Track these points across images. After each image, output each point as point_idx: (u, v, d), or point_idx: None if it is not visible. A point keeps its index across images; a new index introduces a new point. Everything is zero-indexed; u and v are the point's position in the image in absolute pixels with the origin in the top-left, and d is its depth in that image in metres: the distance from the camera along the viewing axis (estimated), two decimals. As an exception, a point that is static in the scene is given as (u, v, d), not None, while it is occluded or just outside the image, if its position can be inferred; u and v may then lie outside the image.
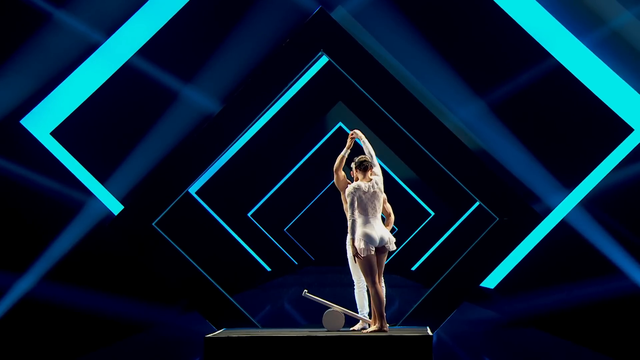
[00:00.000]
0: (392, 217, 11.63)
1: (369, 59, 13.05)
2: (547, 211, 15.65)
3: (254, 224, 29.20)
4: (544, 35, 15.44)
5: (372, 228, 11.00)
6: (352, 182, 11.25)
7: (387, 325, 11.07)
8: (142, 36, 15.44)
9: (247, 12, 15.53)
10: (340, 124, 27.72)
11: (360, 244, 10.92)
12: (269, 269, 27.83)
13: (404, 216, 30.80)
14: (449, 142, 13.09)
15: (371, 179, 11.13)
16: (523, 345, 13.95)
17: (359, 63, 13.04)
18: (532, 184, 15.83)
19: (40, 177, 15.42)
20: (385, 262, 11.15)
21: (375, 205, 11.05)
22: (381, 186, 11.13)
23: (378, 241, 10.97)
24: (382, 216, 11.40)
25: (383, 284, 11.67)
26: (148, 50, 15.50)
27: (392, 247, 11.06)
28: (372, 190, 11.06)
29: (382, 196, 11.17)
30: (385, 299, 11.07)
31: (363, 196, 11.03)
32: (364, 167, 11.16)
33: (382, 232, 11.02)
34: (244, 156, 22.03)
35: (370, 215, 11.03)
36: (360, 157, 11.24)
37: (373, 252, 10.95)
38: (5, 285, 15.31)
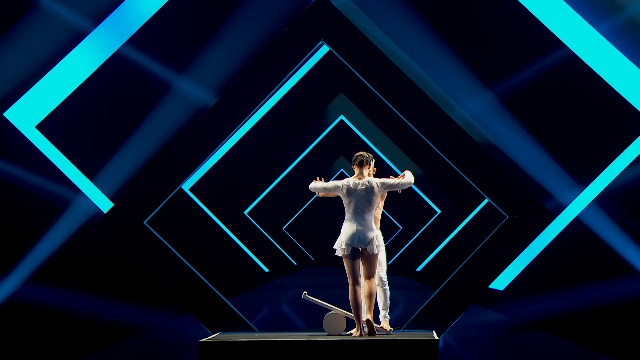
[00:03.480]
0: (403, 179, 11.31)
1: (371, 49, 13.04)
2: (560, 209, 15.61)
3: (251, 222, 29.18)
4: (557, 22, 15.40)
5: (351, 226, 11.06)
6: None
7: (368, 320, 11.08)
8: (132, 24, 15.40)
9: (244, -2, 15.50)
10: (341, 117, 27.69)
11: (337, 242, 11.17)
12: (266, 270, 27.81)
13: (409, 214, 30.79)
14: (456, 136, 13.08)
15: (364, 177, 11.16)
16: (534, 350, 13.93)
17: (361, 53, 13.03)
18: (544, 180, 15.79)
19: (25, 173, 15.39)
20: (374, 264, 11.14)
21: (362, 204, 11.11)
22: (376, 188, 11.11)
23: (352, 241, 11.05)
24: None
25: (386, 286, 11.67)
26: (139, 39, 15.47)
27: (373, 249, 11.09)
28: (361, 187, 11.11)
29: (376, 198, 11.15)
30: (361, 302, 11.13)
31: (348, 194, 11.11)
32: (359, 161, 11.25)
33: (363, 232, 11.05)
34: (241, 151, 22.01)
35: (353, 213, 11.10)
36: (358, 152, 11.34)
37: (348, 252, 11.06)
38: (-12, 287, 15.31)
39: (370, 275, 11.13)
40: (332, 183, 11.28)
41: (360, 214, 11.10)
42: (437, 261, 26.09)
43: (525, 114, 15.81)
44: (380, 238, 11.26)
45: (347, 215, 11.18)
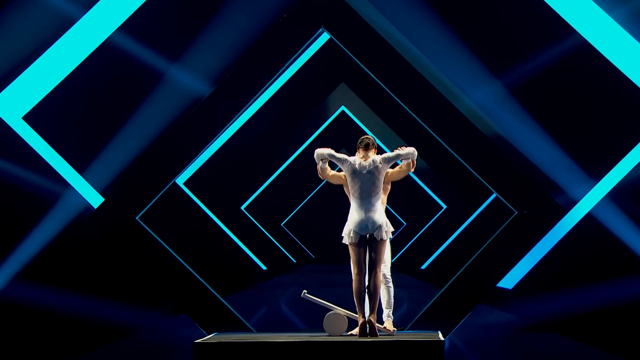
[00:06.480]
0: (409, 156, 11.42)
1: (374, 37, 13.04)
2: (572, 204, 15.60)
3: (248, 218, 29.19)
4: (569, 8, 15.37)
5: (359, 212, 11.11)
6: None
7: (370, 320, 11.05)
8: (124, 9, 15.38)
9: (241, -16, 15.48)
10: (342, 107, 27.69)
11: (344, 230, 11.19)
12: (264, 268, 27.82)
13: (414, 210, 30.80)
14: (462, 128, 13.09)
15: (369, 158, 11.22)
16: (543, 351, 13.94)
17: (363, 41, 13.04)
18: (555, 174, 15.77)
19: (11, 166, 15.38)
20: (381, 252, 11.14)
21: (368, 187, 11.17)
22: (380, 165, 11.15)
23: (360, 228, 11.08)
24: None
25: (390, 284, 11.65)
26: (130, 26, 15.45)
27: (382, 235, 11.09)
28: (367, 169, 11.19)
29: (381, 177, 11.21)
30: (364, 293, 11.16)
31: (354, 174, 11.20)
32: (365, 144, 11.34)
33: (371, 217, 11.08)
34: (237, 143, 22.00)
35: (360, 198, 11.16)
36: (363, 136, 11.43)
37: (356, 240, 11.09)
38: (-27, 285, 15.31)
39: (375, 267, 11.13)
40: (341, 155, 11.35)
41: (367, 199, 11.15)
42: (442, 259, 26.11)
43: (535, 104, 15.79)
44: (390, 225, 11.24)
45: (354, 201, 11.23)
